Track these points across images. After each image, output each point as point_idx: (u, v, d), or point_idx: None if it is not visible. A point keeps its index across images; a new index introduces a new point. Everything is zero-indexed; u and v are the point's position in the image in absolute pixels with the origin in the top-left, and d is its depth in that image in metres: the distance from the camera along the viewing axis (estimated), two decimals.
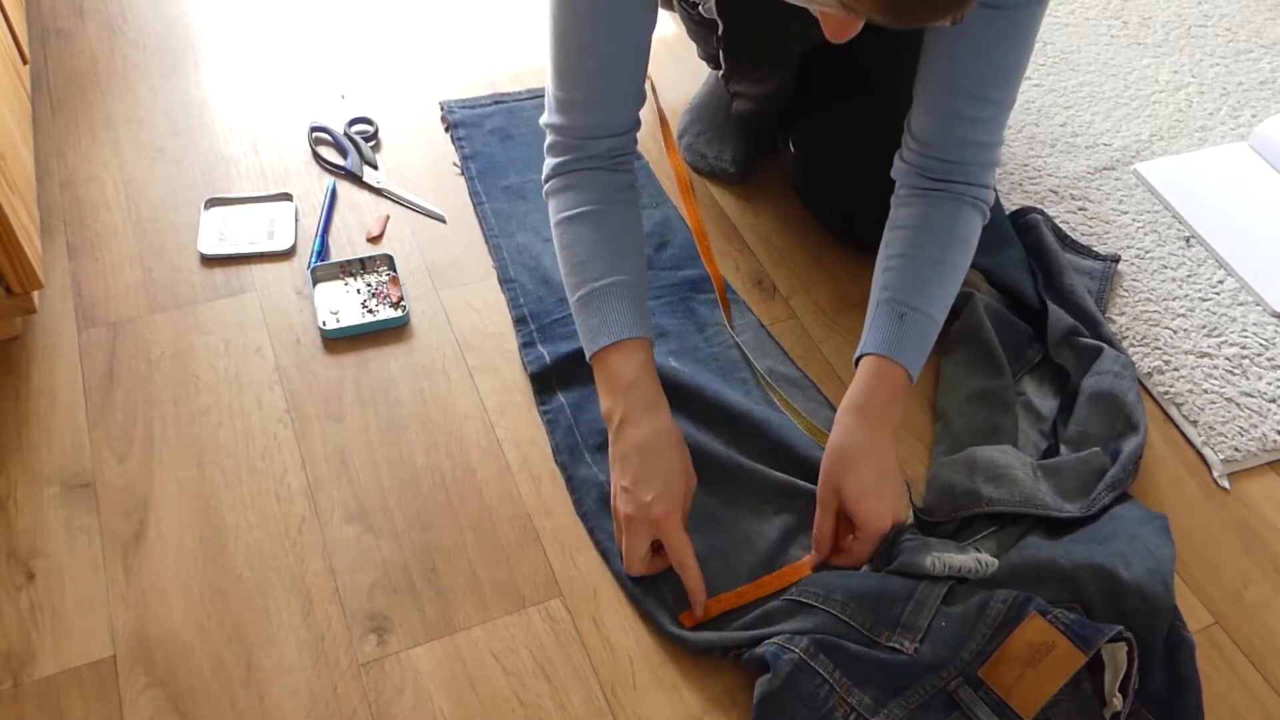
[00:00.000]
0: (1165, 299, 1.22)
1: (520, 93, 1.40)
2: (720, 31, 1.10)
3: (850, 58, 1.13)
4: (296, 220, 1.21)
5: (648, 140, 1.36)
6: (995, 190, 1.00)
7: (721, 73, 1.19)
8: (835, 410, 1.07)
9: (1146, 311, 1.20)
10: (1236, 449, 1.07)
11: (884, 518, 0.90)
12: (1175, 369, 1.14)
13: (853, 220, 1.20)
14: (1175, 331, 1.18)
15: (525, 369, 1.08)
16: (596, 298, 0.95)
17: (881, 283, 0.97)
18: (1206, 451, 1.08)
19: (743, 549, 0.95)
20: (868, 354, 0.95)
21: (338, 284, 1.14)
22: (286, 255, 1.17)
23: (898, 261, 0.97)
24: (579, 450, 1.01)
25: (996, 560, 0.90)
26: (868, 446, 0.91)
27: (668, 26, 1.53)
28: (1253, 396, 1.12)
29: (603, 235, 0.97)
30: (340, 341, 1.10)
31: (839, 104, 1.17)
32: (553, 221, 1.00)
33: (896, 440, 0.96)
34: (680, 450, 0.93)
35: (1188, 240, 1.29)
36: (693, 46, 1.40)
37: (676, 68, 1.46)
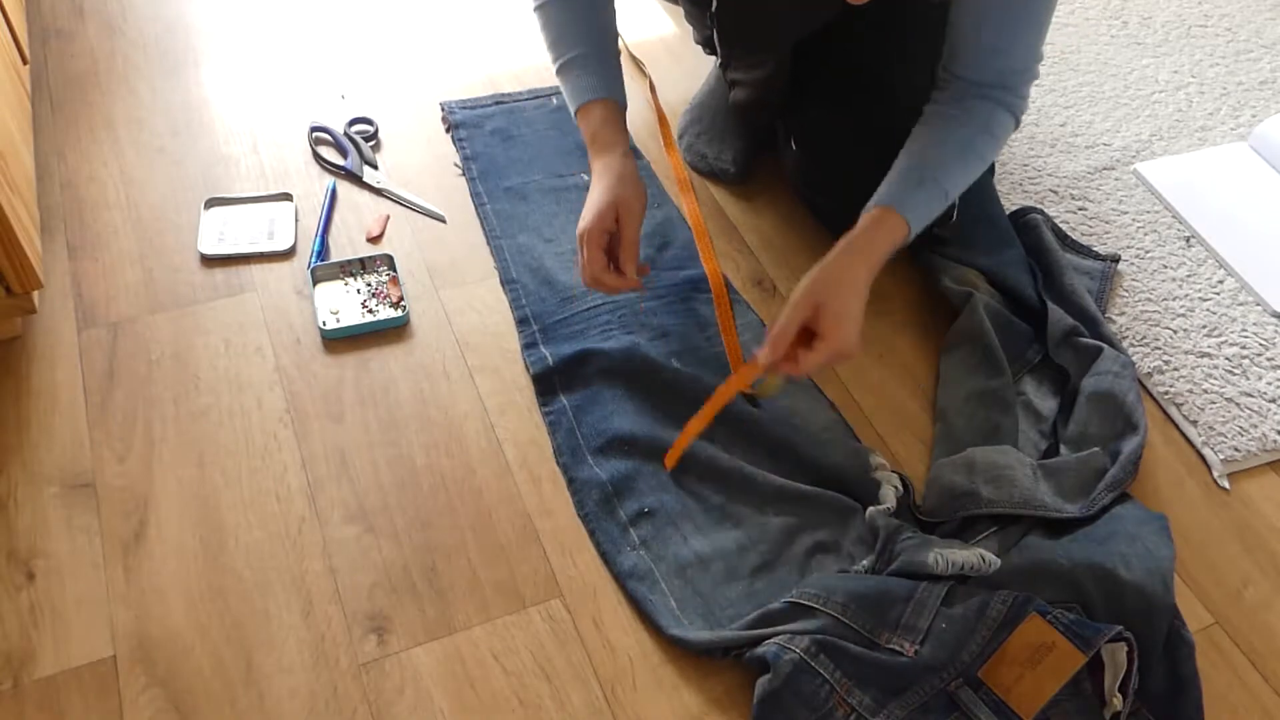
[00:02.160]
0: (1165, 299, 1.22)
1: (521, 93, 1.40)
2: (713, 9, 1.11)
3: (850, 52, 1.13)
4: (296, 220, 1.21)
5: (648, 140, 1.36)
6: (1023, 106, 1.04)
7: (719, 61, 1.19)
8: (836, 410, 1.08)
9: (1146, 311, 1.20)
10: (1236, 449, 1.07)
11: (851, 345, 0.94)
12: (1175, 369, 1.14)
13: (853, 217, 1.20)
14: (1175, 331, 1.18)
15: (528, 370, 1.08)
16: (568, 67, 1.06)
17: (906, 151, 1.01)
18: (1206, 451, 1.08)
19: (744, 549, 0.95)
20: (878, 205, 0.99)
21: (338, 284, 1.14)
22: (286, 255, 1.17)
23: (926, 137, 1.01)
24: (580, 452, 1.01)
25: (999, 559, 0.91)
26: (853, 277, 0.96)
27: (668, 27, 1.53)
28: (1253, 396, 1.12)
29: (575, 13, 1.07)
30: (340, 341, 1.10)
31: (840, 99, 1.17)
32: (533, 6, 1.08)
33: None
34: (630, 174, 1.02)
35: (1188, 240, 1.29)
36: (693, 48, 1.41)
37: (676, 67, 1.46)
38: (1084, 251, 1.25)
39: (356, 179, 1.27)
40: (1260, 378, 1.14)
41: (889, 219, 0.98)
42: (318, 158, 1.29)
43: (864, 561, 0.93)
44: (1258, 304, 1.23)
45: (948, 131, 1.01)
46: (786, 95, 1.21)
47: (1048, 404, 1.09)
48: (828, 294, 0.94)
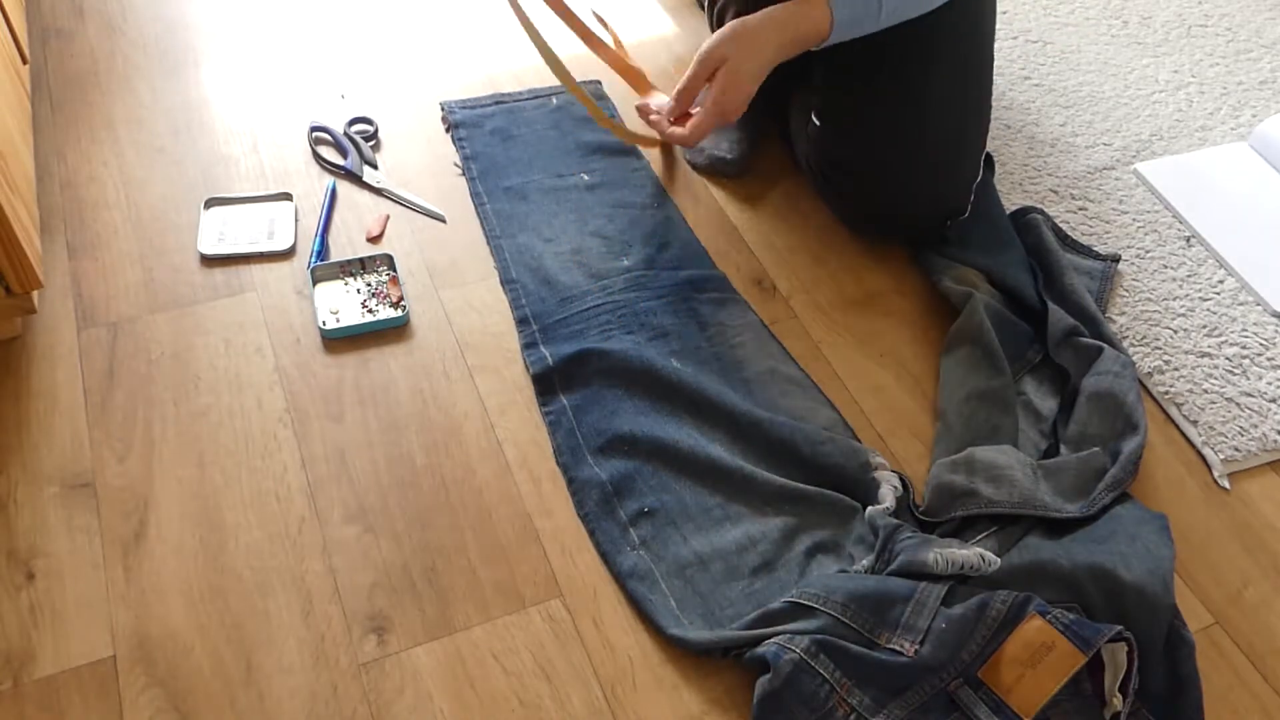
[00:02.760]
0: (1165, 299, 1.22)
1: (521, 93, 1.40)
2: None
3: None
4: (296, 220, 1.21)
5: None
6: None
7: None
8: (836, 410, 1.08)
9: (1146, 311, 1.20)
10: (1236, 449, 1.07)
11: (736, 106, 0.97)
12: (1175, 369, 1.14)
13: (874, 197, 1.18)
14: (1175, 331, 1.18)
15: (528, 370, 1.09)
16: None
17: None
18: (1206, 451, 1.08)
19: (744, 549, 0.95)
20: None
21: (338, 284, 1.14)
22: (286, 255, 1.18)
23: None
24: (580, 451, 1.02)
25: (999, 559, 0.91)
26: (763, 44, 0.96)
27: (668, 26, 1.53)
28: (1253, 396, 1.12)
29: None
30: (340, 341, 1.10)
31: (863, 74, 1.15)
32: None
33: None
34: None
35: (1188, 240, 1.29)
36: (695, 46, 1.40)
37: (676, 66, 1.46)
38: (1084, 251, 1.25)
39: (356, 179, 1.27)
40: (1260, 378, 1.14)
41: (818, 7, 1.00)
42: (318, 158, 1.29)
43: (864, 561, 0.93)
44: (1258, 304, 1.23)
45: None
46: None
47: (1048, 404, 1.10)
48: (735, 51, 0.96)
